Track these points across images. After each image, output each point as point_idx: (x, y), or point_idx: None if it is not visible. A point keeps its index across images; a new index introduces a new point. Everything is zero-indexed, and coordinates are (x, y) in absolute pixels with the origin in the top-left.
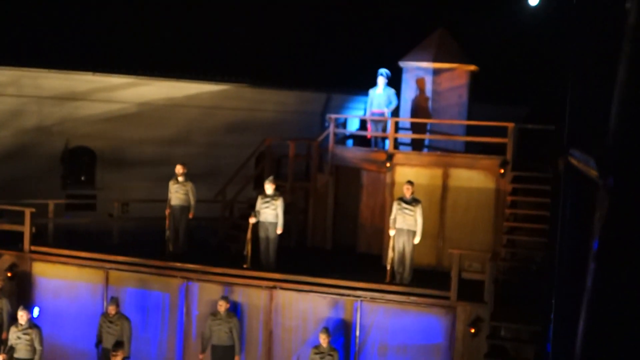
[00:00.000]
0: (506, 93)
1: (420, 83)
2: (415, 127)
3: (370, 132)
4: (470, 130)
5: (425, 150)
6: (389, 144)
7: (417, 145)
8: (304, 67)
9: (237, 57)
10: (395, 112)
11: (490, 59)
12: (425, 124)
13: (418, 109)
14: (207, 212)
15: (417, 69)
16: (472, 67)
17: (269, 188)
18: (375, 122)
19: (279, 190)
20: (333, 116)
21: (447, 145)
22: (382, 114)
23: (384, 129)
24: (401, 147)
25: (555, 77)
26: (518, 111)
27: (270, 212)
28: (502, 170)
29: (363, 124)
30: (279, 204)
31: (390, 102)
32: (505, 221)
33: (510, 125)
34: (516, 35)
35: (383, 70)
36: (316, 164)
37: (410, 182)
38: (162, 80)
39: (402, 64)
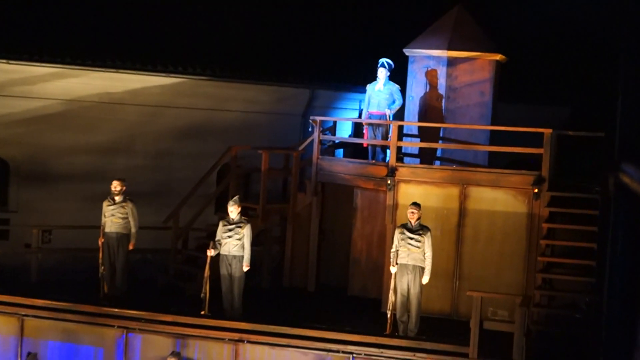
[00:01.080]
0: (541, 90)
1: (431, 76)
2: (424, 134)
3: (367, 140)
4: (495, 138)
5: (437, 164)
6: (390, 155)
7: (426, 157)
8: (282, 56)
9: (195, 43)
10: (399, 114)
11: (521, 47)
12: (437, 130)
13: (428, 109)
14: (153, 242)
15: (427, 59)
16: (498, 57)
17: (234, 211)
18: (373, 126)
19: (248, 215)
20: (318, 119)
21: (466, 157)
22: (383, 117)
23: (385, 136)
24: (406, 159)
25: (604, 71)
26: (556, 113)
27: (235, 243)
28: (536, 190)
29: (358, 129)
30: (246, 232)
31: (393, 101)
32: (541, 256)
33: (547, 131)
34: (555, 17)
35: (384, 60)
36: (296, 180)
37: (416, 205)
38: (96, 70)
39: (408, 52)
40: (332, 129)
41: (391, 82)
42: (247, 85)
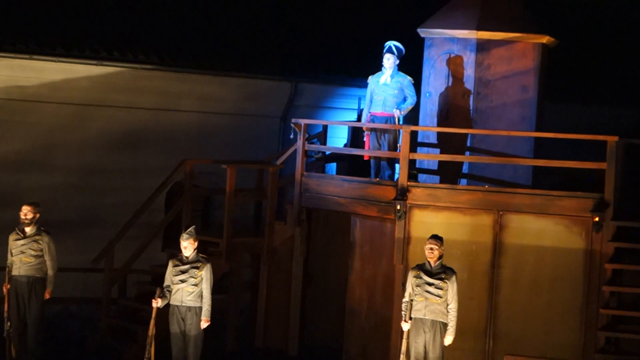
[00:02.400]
0: (603, 86)
1: (454, 66)
2: (446, 143)
3: (368, 151)
4: (541, 148)
5: (463, 183)
6: (400, 171)
7: (449, 174)
8: (253, 38)
9: (136, 20)
10: (412, 116)
11: (576, 27)
12: (463, 137)
13: (451, 110)
14: (79, 288)
15: (449, 42)
16: (545, 39)
17: (189, 248)
18: (377, 132)
19: (207, 252)
20: (303, 122)
21: (502, 174)
22: (391, 119)
23: (393, 145)
24: (422, 177)
25: None
26: (622, 117)
27: (190, 290)
28: (597, 219)
29: (356, 137)
30: (205, 275)
31: (403, 99)
32: (603, 307)
33: (611, 139)
34: None
35: (392, 44)
36: (273, 205)
37: (437, 239)
38: (1, 56)
39: (423, 32)
40: (322, 136)
41: (401, 73)
42: (207, 78)
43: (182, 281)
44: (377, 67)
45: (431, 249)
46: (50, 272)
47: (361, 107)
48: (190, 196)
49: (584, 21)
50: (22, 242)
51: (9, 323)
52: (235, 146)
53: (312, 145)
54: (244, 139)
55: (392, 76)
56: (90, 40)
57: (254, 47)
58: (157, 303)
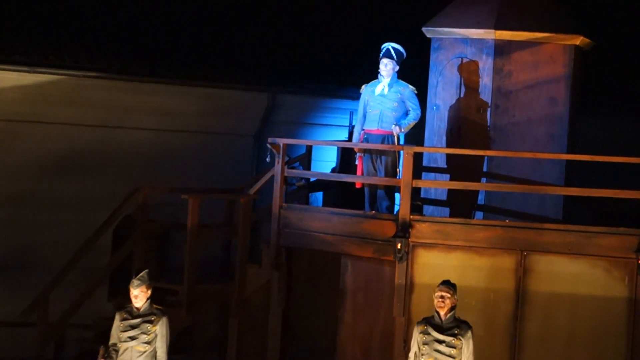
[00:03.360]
0: None
1: (468, 73)
2: (457, 167)
3: (362, 178)
4: (574, 174)
5: (478, 216)
6: (401, 202)
7: (461, 205)
8: (221, 40)
9: (80, 18)
10: (416, 134)
11: (615, 26)
12: (478, 160)
13: (464, 127)
14: (6, 346)
15: (461, 43)
16: (579, 40)
17: (141, 297)
18: (372, 154)
19: (164, 303)
20: (282, 142)
21: (527, 206)
22: (389, 138)
23: (392, 170)
24: (428, 209)
25: None
26: None
27: (141, 349)
28: None
29: (347, 160)
30: (160, 330)
31: (405, 113)
32: None
33: None
34: None
35: (390, 46)
36: (245, 244)
37: (449, 286)
38: None
39: (429, 32)
40: (306, 159)
41: (402, 82)
42: (165, 88)
43: (132, 338)
44: (373, 74)
45: (442, 297)
46: None
47: (353, 124)
48: (144, 233)
49: (626, 19)
50: None
51: None
52: (200, 171)
53: (294, 171)
54: (210, 163)
55: (390, 85)
56: (20, 42)
57: (223, 50)
58: None
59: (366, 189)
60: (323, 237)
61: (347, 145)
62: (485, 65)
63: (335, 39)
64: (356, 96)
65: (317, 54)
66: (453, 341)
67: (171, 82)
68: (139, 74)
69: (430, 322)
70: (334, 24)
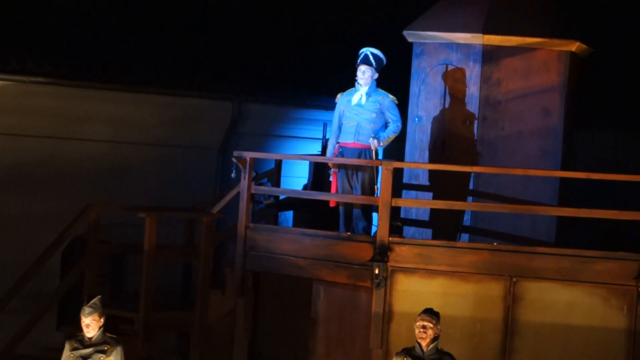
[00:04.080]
0: None
1: (453, 81)
2: (440, 184)
3: (336, 196)
4: (568, 193)
5: (464, 238)
6: (379, 223)
7: (444, 226)
8: (184, 44)
9: (24, 16)
10: (396, 148)
11: (615, 31)
12: (464, 177)
13: (448, 140)
14: None
15: (446, 48)
16: (574, 46)
17: (93, 325)
18: (348, 170)
19: (119, 332)
20: (249, 155)
21: (517, 227)
22: (366, 152)
23: (369, 187)
24: (408, 230)
25: None
26: None
27: None
28: None
29: (320, 175)
30: None
31: (383, 125)
32: None
33: None
34: None
35: (368, 51)
36: (208, 268)
37: (431, 314)
38: None
39: (410, 35)
40: (275, 175)
41: (381, 91)
42: (120, 96)
43: None
44: (349, 82)
45: (423, 327)
46: None
47: (327, 136)
48: (96, 255)
49: (626, 23)
50: None
51: None
52: (158, 188)
53: (261, 187)
54: (169, 178)
55: (368, 94)
56: None
57: (184, 55)
58: None
59: (341, 208)
60: (293, 261)
61: (321, 159)
62: (472, 72)
63: (307, 43)
64: (330, 106)
65: (287, 59)
66: None
67: (127, 89)
68: (92, 79)
69: (411, 353)
70: (305, 27)
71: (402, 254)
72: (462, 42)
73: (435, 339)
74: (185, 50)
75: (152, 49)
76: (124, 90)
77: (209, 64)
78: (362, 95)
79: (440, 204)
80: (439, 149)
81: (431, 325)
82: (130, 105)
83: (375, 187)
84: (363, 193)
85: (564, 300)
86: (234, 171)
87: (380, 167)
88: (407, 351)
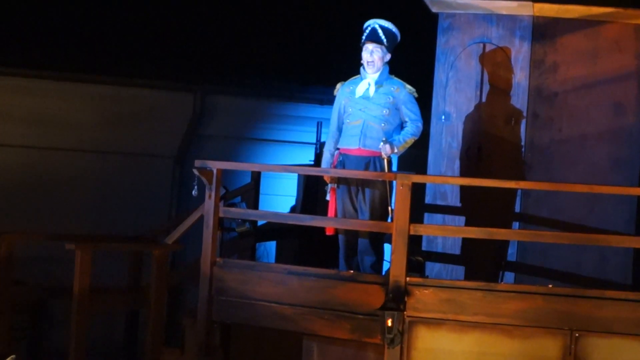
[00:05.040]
0: None
1: (492, 65)
2: (475, 204)
3: (335, 220)
4: None
5: (508, 279)
6: (392, 258)
7: (480, 262)
8: (131, 21)
9: None
10: (416, 155)
11: None
12: (508, 196)
13: (485, 146)
14: None
15: (482, 22)
16: None
17: None
18: (350, 186)
19: None
20: (216, 166)
21: (580, 264)
22: (376, 162)
23: (380, 209)
24: (432, 268)
25: None
26: None
27: None
28: None
29: (312, 192)
30: None
31: (398, 125)
32: None
33: None
34: None
35: (377, 24)
36: (160, 317)
37: None
38: None
39: (434, 3)
40: (252, 193)
41: (395, 79)
42: (44, 85)
43: None
44: (353, 69)
45: None
46: None
47: (322, 140)
48: (9, 301)
49: None
50: None
51: None
52: (94, 210)
53: (233, 209)
54: (109, 197)
55: (378, 83)
56: None
57: (129, 33)
58: None
59: (341, 238)
60: (276, 309)
61: (314, 172)
62: (519, 54)
63: (295, 15)
64: (327, 99)
65: (267, 38)
66: None
67: (53, 76)
68: (7, 64)
69: None
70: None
71: (424, 299)
72: (504, 12)
73: None
74: (131, 27)
75: (87, 25)
76: (50, 79)
77: (163, 43)
78: (369, 85)
79: (476, 232)
80: (473, 158)
81: None
82: (57, 98)
83: (389, 208)
84: (372, 217)
85: None
86: (195, 187)
87: (394, 182)
88: None
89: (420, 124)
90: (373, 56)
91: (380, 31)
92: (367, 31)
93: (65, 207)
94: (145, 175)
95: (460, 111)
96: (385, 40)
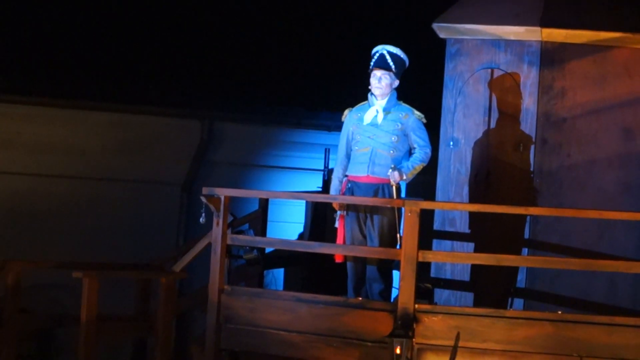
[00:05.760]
0: None
1: (500, 90)
2: (484, 231)
3: (344, 247)
4: None
5: (517, 305)
6: (401, 284)
7: (490, 290)
8: (139, 49)
9: None
10: (425, 182)
11: None
12: (517, 222)
13: (494, 171)
14: None
15: (490, 47)
16: None
17: None
18: (360, 213)
19: None
20: (224, 193)
21: (589, 290)
22: (384, 189)
23: (388, 236)
24: (441, 295)
25: None
26: None
27: None
28: None
29: (320, 219)
30: None
31: (407, 152)
32: None
33: None
34: None
35: (385, 50)
36: (168, 346)
37: None
38: None
39: (442, 29)
40: (259, 220)
41: (403, 105)
42: (48, 113)
43: None
44: (361, 94)
45: None
46: None
47: (330, 167)
48: (16, 329)
49: None
50: None
51: None
52: (101, 238)
53: (241, 237)
54: (116, 225)
55: (386, 110)
56: None
57: (136, 60)
58: None
59: (349, 265)
60: (284, 337)
61: (322, 199)
62: (528, 79)
63: (303, 42)
64: (335, 126)
65: (275, 64)
66: None
67: (58, 103)
68: (9, 90)
69: None
70: (301, 20)
71: (433, 326)
72: (513, 38)
73: None
74: (140, 56)
75: (93, 52)
76: (56, 106)
77: (171, 70)
78: (377, 112)
79: (485, 259)
80: (482, 184)
81: None
82: (63, 126)
83: (398, 235)
84: (380, 244)
85: None
86: (203, 215)
87: (403, 209)
88: None
89: (428, 150)
90: (381, 83)
91: (388, 57)
92: (375, 57)
93: (72, 235)
94: (152, 203)
95: (468, 137)
96: (393, 67)
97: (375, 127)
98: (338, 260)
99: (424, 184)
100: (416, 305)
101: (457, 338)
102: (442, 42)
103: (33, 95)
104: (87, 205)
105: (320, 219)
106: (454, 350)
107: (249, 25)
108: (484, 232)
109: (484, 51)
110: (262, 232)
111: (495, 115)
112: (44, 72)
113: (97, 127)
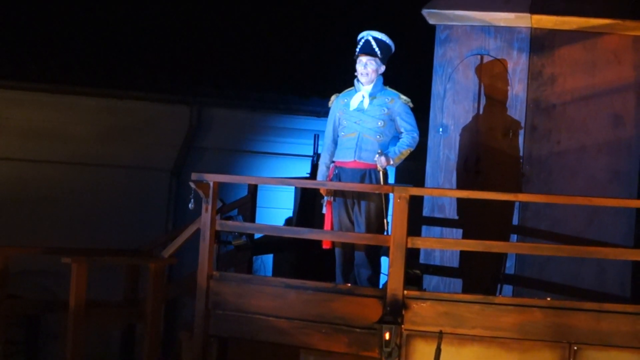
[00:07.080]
0: None
1: (490, 77)
2: (473, 217)
3: (331, 233)
4: None
5: (506, 291)
6: (390, 271)
7: (479, 275)
8: (127, 33)
9: None
10: (413, 168)
11: None
12: (506, 209)
13: (483, 158)
14: None
15: (480, 33)
16: None
17: None
18: (347, 199)
19: None
20: (213, 179)
21: (578, 277)
22: (371, 174)
23: (376, 222)
24: (430, 281)
25: None
26: None
27: None
28: None
29: (309, 205)
30: None
31: (394, 137)
32: None
33: None
34: None
35: (371, 36)
36: (157, 332)
37: None
38: None
39: (432, 15)
40: (248, 206)
41: (389, 90)
42: (37, 98)
43: None
44: (349, 80)
45: None
46: None
47: (318, 152)
48: (4, 314)
49: None
50: None
51: None
52: (90, 223)
53: (230, 223)
54: (104, 210)
55: (372, 95)
56: None
57: (126, 45)
58: None
59: (338, 251)
60: (273, 323)
61: (310, 184)
62: (517, 66)
63: (292, 28)
64: (323, 112)
65: (264, 50)
66: None
67: (46, 88)
68: (2, 76)
69: None
70: (290, 6)
71: (421, 313)
72: (502, 24)
73: None
74: (127, 40)
75: (83, 37)
76: (45, 91)
77: (159, 55)
78: (364, 97)
79: (474, 245)
80: (471, 170)
81: None
82: (53, 111)
83: (385, 221)
84: (368, 230)
85: None
86: (192, 200)
87: (391, 195)
88: None
89: (416, 135)
90: (367, 69)
91: (373, 43)
92: (361, 43)
93: (60, 221)
94: (141, 188)
95: (458, 123)
96: (379, 52)
97: (362, 112)
98: (326, 246)
99: (413, 170)
100: (405, 292)
101: (440, 337)
102: (432, 29)
103: (22, 80)
104: (76, 191)
105: (309, 205)
106: (437, 351)
107: (239, 11)
108: (473, 219)
109: (474, 37)
110: (251, 217)
111: (484, 101)
112: (32, 57)
113: (86, 113)
